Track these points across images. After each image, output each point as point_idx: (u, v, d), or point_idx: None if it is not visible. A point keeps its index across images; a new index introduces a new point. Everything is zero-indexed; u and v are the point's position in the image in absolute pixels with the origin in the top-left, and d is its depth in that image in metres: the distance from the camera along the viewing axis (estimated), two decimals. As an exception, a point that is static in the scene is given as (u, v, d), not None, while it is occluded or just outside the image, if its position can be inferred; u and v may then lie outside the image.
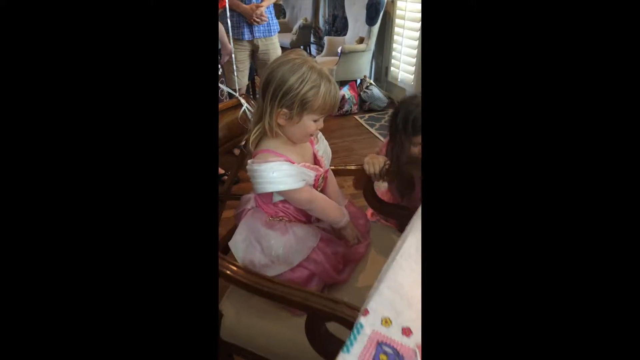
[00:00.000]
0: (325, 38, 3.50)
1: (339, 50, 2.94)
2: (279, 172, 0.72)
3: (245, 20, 1.90)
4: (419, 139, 0.90)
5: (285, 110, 0.70)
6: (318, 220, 0.86)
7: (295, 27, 4.04)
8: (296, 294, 0.61)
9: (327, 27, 3.98)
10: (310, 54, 4.28)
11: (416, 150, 0.92)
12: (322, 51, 3.44)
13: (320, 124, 0.75)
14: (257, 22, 1.91)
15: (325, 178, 0.86)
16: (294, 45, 3.95)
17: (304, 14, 4.19)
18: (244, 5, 1.87)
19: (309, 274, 0.76)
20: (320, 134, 0.87)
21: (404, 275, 0.50)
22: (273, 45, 2.07)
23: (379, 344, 0.41)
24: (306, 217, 0.84)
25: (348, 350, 0.40)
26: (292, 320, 0.72)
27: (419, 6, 2.54)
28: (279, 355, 0.74)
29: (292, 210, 0.82)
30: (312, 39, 4.22)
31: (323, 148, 0.86)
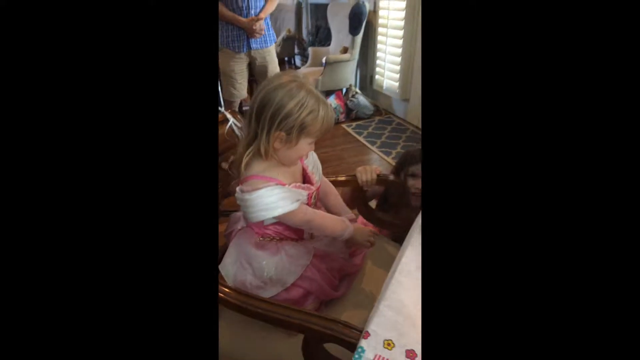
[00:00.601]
0: (310, 49, 3.51)
1: (324, 60, 2.95)
2: (271, 198, 0.69)
3: (244, 33, 1.92)
4: (415, 168, 0.98)
5: (282, 133, 0.68)
6: (312, 236, 0.83)
7: (279, 38, 4.04)
8: (293, 315, 0.59)
9: (310, 38, 4.00)
10: (294, 64, 4.29)
11: (418, 184, 0.98)
12: (306, 62, 3.45)
13: (313, 146, 0.74)
14: (257, 36, 1.93)
15: (317, 196, 0.85)
16: (279, 55, 3.95)
17: (287, 25, 4.21)
18: (242, 19, 1.88)
19: (304, 292, 0.74)
20: (311, 154, 0.86)
21: (405, 293, 0.49)
22: (270, 56, 2.09)
23: (383, 369, 0.39)
24: (297, 234, 0.82)
25: (351, 378, 0.38)
26: (289, 340, 0.70)
27: (401, 14, 2.57)
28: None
29: (282, 229, 0.79)
30: (296, 50, 4.23)
31: (312, 162, 0.85)
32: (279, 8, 2.07)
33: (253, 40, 1.96)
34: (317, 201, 0.85)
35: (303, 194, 0.75)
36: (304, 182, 0.80)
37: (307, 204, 0.78)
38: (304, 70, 3.25)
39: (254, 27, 1.88)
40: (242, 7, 1.88)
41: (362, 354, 0.41)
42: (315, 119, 0.68)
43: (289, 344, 0.68)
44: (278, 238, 0.79)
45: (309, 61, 3.38)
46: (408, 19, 2.51)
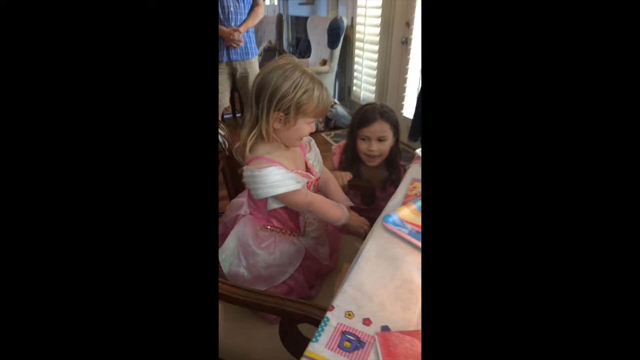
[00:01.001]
0: (290, 60, 3.61)
1: (304, 71, 3.06)
2: (277, 177, 0.74)
3: (224, 42, 1.99)
4: (363, 131, 1.05)
5: (281, 114, 0.72)
6: (304, 232, 0.89)
7: (260, 49, 4.14)
8: (269, 300, 0.67)
9: (291, 49, 4.11)
10: (275, 74, 4.39)
11: (363, 146, 1.07)
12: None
13: (313, 126, 0.79)
14: (234, 46, 1.99)
15: (316, 186, 0.90)
16: (260, 65, 4.05)
17: (268, 36, 4.30)
18: (224, 28, 1.96)
19: (288, 289, 0.81)
20: (313, 143, 0.91)
21: (365, 276, 0.58)
22: (251, 67, 2.16)
23: (343, 333, 0.48)
24: (297, 227, 0.87)
25: (317, 340, 0.47)
26: (269, 328, 0.78)
27: (376, 30, 2.71)
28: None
29: (285, 219, 0.84)
30: (277, 61, 4.35)
31: (314, 157, 0.90)
32: (261, 20, 2.14)
33: (233, 51, 2.03)
34: (316, 190, 0.91)
35: (303, 180, 0.80)
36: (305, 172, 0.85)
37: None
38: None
39: (232, 37, 1.95)
40: (223, 19, 1.96)
41: (327, 322, 0.50)
42: (310, 98, 0.72)
43: (269, 331, 0.76)
44: (278, 230, 0.85)
45: (289, 72, 3.48)
46: (383, 34, 2.65)
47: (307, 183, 0.83)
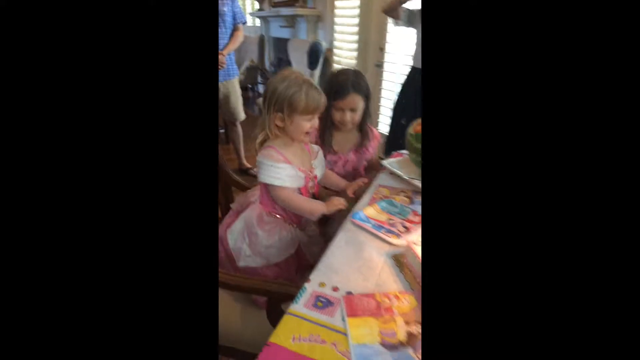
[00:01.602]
0: (272, 79, 3.78)
1: (285, 90, 3.23)
2: (279, 172, 0.90)
3: None
4: (338, 103, 1.14)
5: (279, 114, 0.88)
6: (304, 226, 1.03)
7: (243, 68, 4.32)
8: (256, 283, 0.81)
9: (273, 68, 4.30)
10: (257, 92, 4.57)
11: (337, 115, 1.17)
12: (269, 90, 3.71)
13: (315, 122, 0.93)
14: (218, 68, 2.14)
15: (316, 186, 1.03)
16: (242, 83, 4.21)
17: (250, 55, 4.49)
18: None
19: (277, 273, 0.96)
20: (320, 153, 1.06)
21: (334, 258, 0.73)
22: (233, 87, 2.33)
23: (317, 297, 0.62)
24: (298, 220, 1.01)
25: (297, 302, 0.61)
26: (259, 312, 0.91)
27: (353, 54, 2.93)
28: (248, 344, 0.91)
29: (288, 210, 0.97)
30: (259, 79, 4.52)
31: (318, 163, 1.04)
32: (241, 42, 2.31)
33: None
34: (316, 189, 1.04)
35: (301, 175, 0.95)
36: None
37: (304, 188, 0.98)
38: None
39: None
40: None
41: (304, 290, 0.64)
42: (299, 96, 0.87)
43: (259, 315, 0.89)
44: (280, 219, 0.98)
45: (272, 90, 3.65)
46: (359, 57, 2.87)
47: (306, 178, 0.97)
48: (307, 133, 0.94)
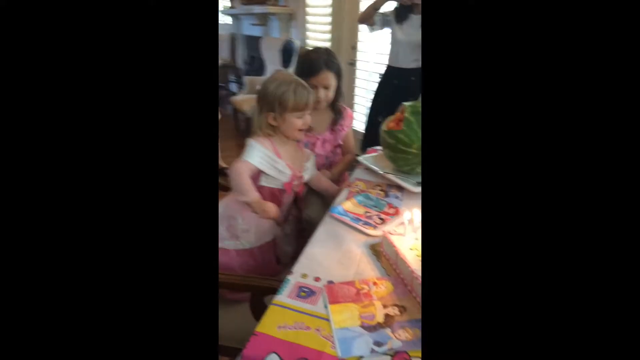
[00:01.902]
0: (245, 77, 3.76)
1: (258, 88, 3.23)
2: (257, 152, 0.95)
3: None
4: (310, 80, 1.13)
5: (271, 113, 0.94)
6: (285, 219, 1.06)
7: (215, 66, 4.26)
8: (237, 279, 0.83)
9: (246, 67, 4.27)
10: (230, 91, 4.52)
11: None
12: (242, 89, 3.69)
13: (307, 119, 0.98)
14: None
15: (300, 184, 1.06)
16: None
17: (221, 53, 4.43)
18: None
19: (252, 265, 0.97)
20: (312, 158, 1.10)
21: (316, 250, 0.76)
22: None
23: (300, 287, 0.65)
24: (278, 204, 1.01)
25: (281, 293, 0.64)
26: (241, 306, 0.92)
27: (325, 52, 2.97)
28: (235, 339, 0.92)
29: (269, 200, 0.99)
30: (232, 78, 4.48)
31: (309, 167, 1.09)
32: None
33: None
34: (300, 184, 1.08)
35: (287, 172, 1.00)
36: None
37: (288, 188, 1.03)
38: (240, 97, 3.49)
39: None
40: None
41: (288, 282, 0.67)
42: (288, 95, 0.93)
43: (241, 309, 0.91)
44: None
45: (246, 89, 3.63)
46: (331, 56, 2.91)
47: (292, 176, 1.01)
48: (300, 130, 0.98)
